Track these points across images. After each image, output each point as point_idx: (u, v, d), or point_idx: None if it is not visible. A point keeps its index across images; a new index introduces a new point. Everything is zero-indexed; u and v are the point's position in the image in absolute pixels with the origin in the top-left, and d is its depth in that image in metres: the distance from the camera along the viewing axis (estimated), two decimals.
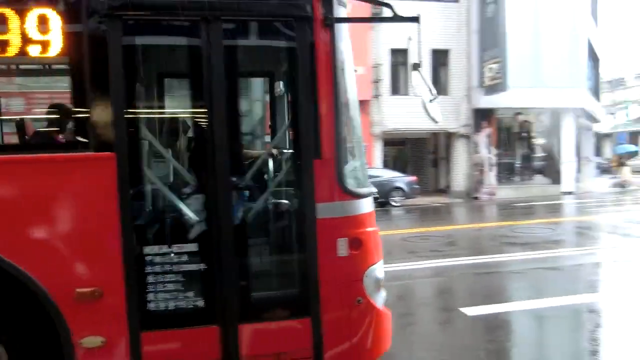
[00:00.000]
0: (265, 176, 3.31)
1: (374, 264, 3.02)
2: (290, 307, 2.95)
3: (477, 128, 19.61)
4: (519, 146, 26.12)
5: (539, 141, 40.50)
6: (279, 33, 2.95)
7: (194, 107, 3.03)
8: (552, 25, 19.96)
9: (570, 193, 20.35)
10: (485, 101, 18.96)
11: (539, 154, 39.88)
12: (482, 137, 19.67)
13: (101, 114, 2.62)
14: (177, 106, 3.93)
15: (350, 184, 2.95)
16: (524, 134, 26.23)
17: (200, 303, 2.82)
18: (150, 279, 2.76)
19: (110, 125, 2.62)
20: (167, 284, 2.79)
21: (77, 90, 2.70)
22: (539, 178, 27.41)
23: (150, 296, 2.77)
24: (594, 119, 26.95)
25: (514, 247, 8.61)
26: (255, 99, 3.55)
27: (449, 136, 20.19)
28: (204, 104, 2.81)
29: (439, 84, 18.53)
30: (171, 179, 3.32)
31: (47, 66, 3.60)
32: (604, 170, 35.37)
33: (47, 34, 2.54)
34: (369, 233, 3.01)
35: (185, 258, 2.81)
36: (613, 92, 33.77)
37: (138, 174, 2.91)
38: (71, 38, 2.59)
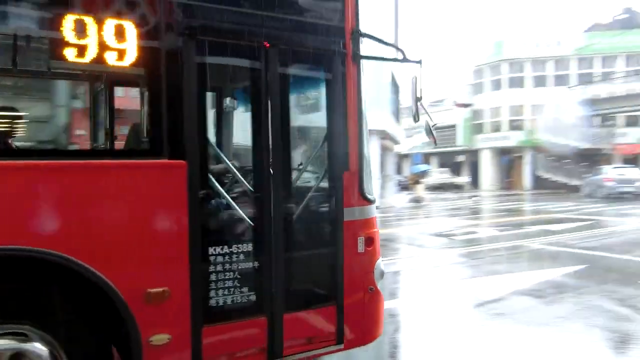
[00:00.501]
0: (307, 184, 3.70)
1: (379, 259, 3.61)
2: (321, 297, 3.44)
3: None
4: None
5: None
6: (320, 63, 3.43)
7: (252, 120, 3.34)
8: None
9: (376, 208, 21.93)
10: None
11: None
12: None
13: (174, 124, 2.83)
14: (238, 120, 4.33)
15: (367, 192, 3.54)
16: None
17: (252, 297, 3.15)
18: (212, 277, 3.00)
19: (182, 135, 2.85)
20: (225, 282, 3.05)
21: (154, 101, 2.88)
22: None
23: (212, 293, 3.00)
24: (395, 141, 29.68)
25: None
26: (297, 116, 3.86)
27: None
28: (259, 118, 3.20)
29: None
30: (232, 186, 3.55)
31: (126, 77, 3.87)
32: (403, 187, 39.28)
33: (127, 45, 2.70)
34: (376, 233, 3.63)
35: (241, 257, 3.11)
36: (410, 117, 37.74)
37: (205, 181, 3.09)
38: (151, 52, 2.82)
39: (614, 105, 33.21)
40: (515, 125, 38.92)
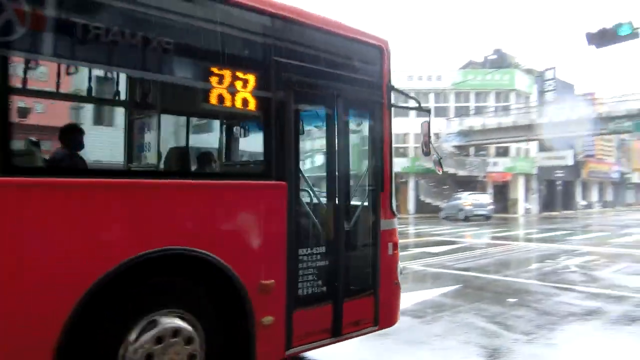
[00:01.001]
0: (357, 202, 4.62)
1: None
2: (366, 288, 4.44)
3: None
4: None
5: None
6: (366, 108, 4.59)
7: (328, 149, 4.27)
8: None
9: None
10: None
11: None
12: None
13: (279, 154, 3.72)
14: (319, 150, 5.32)
15: (394, 208, 4.65)
16: None
17: (324, 288, 4.07)
18: (300, 272, 3.90)
19: (283, 163, 3.75)
20: (307, 276, 3.95)
21: (267, 136, 3.73)
22: None
23: (299, 285, 3.89)
24: None
25: None
26: (353, 149, 4.66)
27: None
28: (331, 150, 4.23)
29: None
30: (311, 201, 4.45)
31: (248, 118, 4.82)
32: None
33: (250, 96, 3.62)
34: (397, 239, 4.77)
35: (318, 257, 4.04)
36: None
37: (297, 197, 4.00)
38: (265, 101, 3.70)
39: (486, 137, 36.37)
40: (400, 152, 41.12)
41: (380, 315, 4.49)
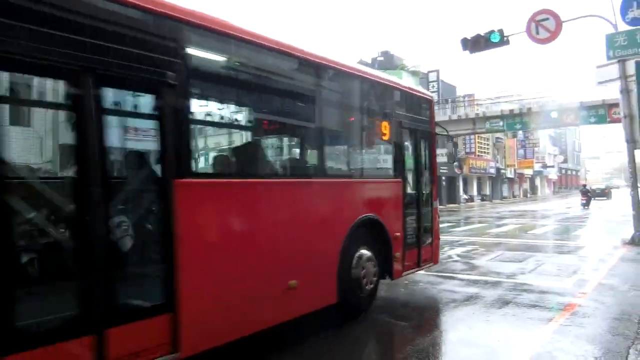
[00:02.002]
0: (427, 190, 7.81)
1: None
2: (429, 240, 7.61)
3: None
4: None
5: None
6: (427, 135, 7.73)
7: (414, 161, 7.49)
8: None
9: None
10: None
11: None
12: None
13: (398, 165, 6.87)
14: (409, 158, 7.46)
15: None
16: None
17: (415, 239, 7.25)
18: (407, 230, 6.98)
19: (401, 167, 6.92)
20: (410, 232, 7.05)
21: (393, 153, 6.86)
22: None
23: (407, 237, 6.93)
24: None
25: None
26: (422, 157, 7.76)
27: None
28: (417, 156, 7.45)
29: None
30: (412, 192, 7.45)
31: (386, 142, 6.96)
32: None
33: (387, 130, 6.66)
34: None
35: (414, 221, 7.21)
36: None
37: (405, 188, 7.04)
38: (394, 132, 6.77)
39: None
40: None
41: (435, 256, 7.81)
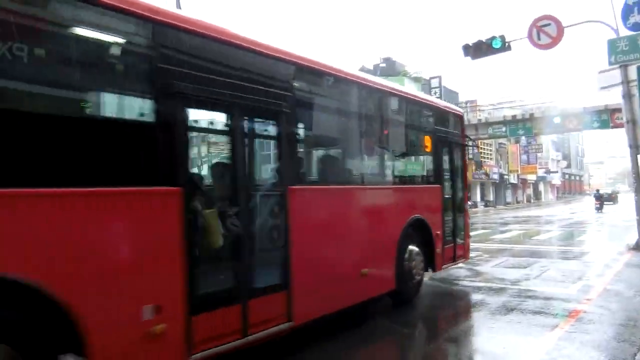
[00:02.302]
0: (460, 194, 9.08)
1: None
2: (460, 238, 8.75)
3: None
4: None
5: None
6: (460, 147, 9.14)
7: (450, 168, 8.70)
8: None
9: None
10: None
11: None
12: None
13: (437, 170, 8.14)
14: (446, 166, 8.64)
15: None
16: None
17: (451, 237, 8.44)
18: (446, 229, 8.24)
19: (441, 175, 8.20)
20: (447, 231, 8.26)
21: (433, 162, 8.14)
22: None
23: (445, 234, 8.23)
24: None
25: None
26: (457, 166, 9.08)
27: None
28: (452, 165, 8.75)
29: None
30: (447, 195, 8.53)
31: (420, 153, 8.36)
32: None
33: (429, 143, 8.05)
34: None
35: (450, 221, 8.42)
36: None
37: (443, 192, 8.24)
38: (436, 145, 8.10)
39: None
40: None
41: (466, 252, 9.06)
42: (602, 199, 36.95)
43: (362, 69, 49.46)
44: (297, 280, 4.82)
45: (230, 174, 4.51)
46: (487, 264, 10.94)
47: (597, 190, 42.68)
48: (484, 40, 14.71)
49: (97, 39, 3.58)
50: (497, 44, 14.52)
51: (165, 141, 3.79)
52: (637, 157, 13.00)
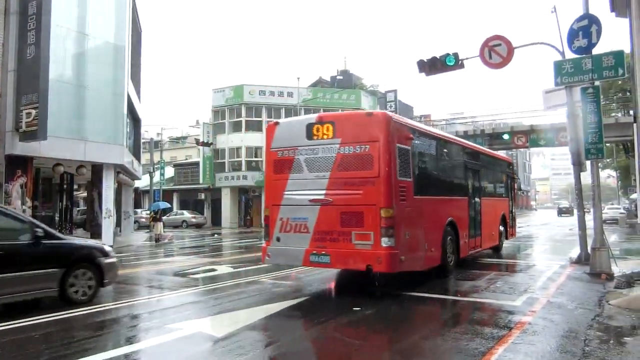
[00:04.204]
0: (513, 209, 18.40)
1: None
2: (498, 232, 15.82)
3: (10, 176, 17.46)
4: (59, 198, 24.79)
5: (80, 194, 39.53)
6: (511, 181, 18.02)
7: (509, 188, 17.74)
8: (94, 81, 20.16)
9: (110, 247, 20.44)
10: (21, 148, 17.10)
11: (81, 207, 38.88)
12: (16, 187, 17.59)
13: (507, 191, 17.29)
14: (509, 188, 17.77)
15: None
16: (65, 186, 25.13)
17: (498, 236, 15.88)
18: (493, 229, 15.53)
19: (507, 191, 17.45)
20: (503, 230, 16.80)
21: (505, 188, 17.16)
22: (80, 232, 26.56)
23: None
24: (134, 176, 28.41)
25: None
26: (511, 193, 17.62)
27: None
28: (510, 193, 17.82)
29: None
30: (511, 208, 17.80)
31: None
32: (142, 225, 37.51)
33: (503, 176, 17.31)
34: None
35: (508, 225, 17.24)
36: (151, 152, 36.76)
37: (509, 204, 17.48)
38: (506, 181, 17.48)
39: None
40: (253, 166, 41.29)
41: (510, 236, 17.81)
42: (562, 211, 61.07)
43: (320, 80, 49.79)
44: (484, 233, 13.65)
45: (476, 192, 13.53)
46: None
47: (559, 205, 71.82)
48: (438, 57, 15.06)
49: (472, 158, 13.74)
50: (450, 61, 14.88)
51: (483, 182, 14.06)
52: (580, 174, 13.58)
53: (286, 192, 9.34)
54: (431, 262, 9.88)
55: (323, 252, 8.69)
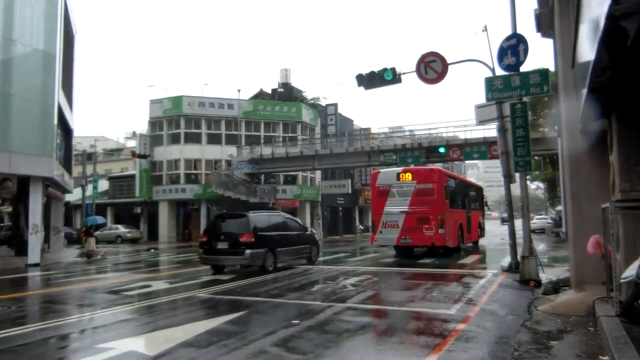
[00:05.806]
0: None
1: None
2: (477, 232, 26.87)
3: None
4: None
5: (5, 209, 37.24)
6: (480, 199, 28.79)
7: (479, 204, 28.64)
8: (22, 89, 19.19)
9: (36, 265, 19.38)
10: None
11: (5, 223, 36.62)
12: None
13: (480, 206, 28.82)
14: (478, 204, 28.70)
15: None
16: None
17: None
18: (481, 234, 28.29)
19: (479, 206, 27.87)
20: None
21: (477, 203, 28.31)
22: (3, 249, 25.03)
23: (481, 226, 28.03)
24: (64, 189, 27.13)
25: None
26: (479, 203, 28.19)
27: None
28: (479, 203, 28.55)
29: None
30: (482, 221, 29.03)
31: None
32: (73, 240, 35.74)
33: (476, 196, 28.83)
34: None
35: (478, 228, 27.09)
36: (83, 164, 35.26)
37: (481, 215, 28.69)
38: (477, 197, 29.40)
39: (275, 165, 37.99)
40: (192, 179, 40.48)
41: (480, 237, 27.63)
42: (504, 220, 61.16)
43: (261, 93, 49.63)
44: (472, 231, 24.79)
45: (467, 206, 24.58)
46: (376, 286, 11.24)
47: (502, 215, 72.31)
48: (376, 72, 15.39)
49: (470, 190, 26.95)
50: (388, 76, 15.25)
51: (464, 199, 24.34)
52: (510, 186, 14.19)
53: (386, 208, 19.61)
54: (455, 243, 19.99)
55: (407, 237, 18.97)
